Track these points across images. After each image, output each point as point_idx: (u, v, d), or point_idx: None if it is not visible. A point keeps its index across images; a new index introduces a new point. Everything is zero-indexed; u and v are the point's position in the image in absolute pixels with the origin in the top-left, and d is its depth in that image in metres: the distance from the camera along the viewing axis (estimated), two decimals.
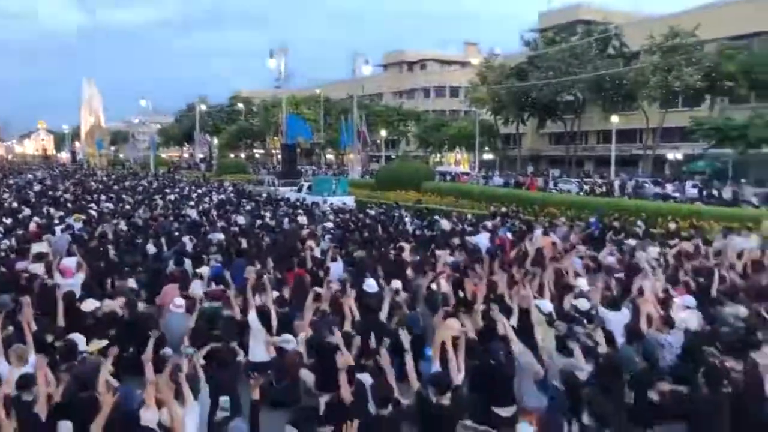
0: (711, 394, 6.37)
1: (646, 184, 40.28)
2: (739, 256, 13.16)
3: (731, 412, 6.44)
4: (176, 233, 16.77)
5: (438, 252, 13.85)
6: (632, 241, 15.57)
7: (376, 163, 70.93)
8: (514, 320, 8.07)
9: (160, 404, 5.50)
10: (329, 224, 19.50)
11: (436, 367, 6.88)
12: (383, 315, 9.09)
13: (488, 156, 70.22)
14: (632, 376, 7.15)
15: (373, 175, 44.19)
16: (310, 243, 14.66)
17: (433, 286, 10.69)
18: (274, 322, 9.01)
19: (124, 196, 30.33)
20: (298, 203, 26.61)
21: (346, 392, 6.19)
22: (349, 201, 29.97)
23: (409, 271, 12.36)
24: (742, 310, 9.30)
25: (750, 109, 44.57)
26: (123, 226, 18.24)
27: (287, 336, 8.45)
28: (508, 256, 14.13)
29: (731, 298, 10.37)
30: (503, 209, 24.51)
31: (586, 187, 41.33)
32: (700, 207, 25.37)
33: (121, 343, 8.21)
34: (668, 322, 8.33)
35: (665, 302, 9.40)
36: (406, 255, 13.91)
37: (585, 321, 8.50)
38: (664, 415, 6.73)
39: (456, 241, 15.73)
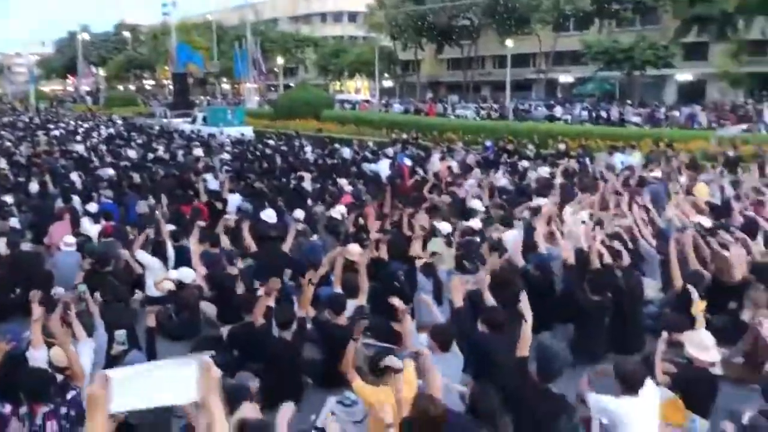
0: (595, 299, 6.82)
1: (539, 107, 41.46)
2: (625, 172, 13.95)
3: (613, 315, 6.93)
4: (63, 170, 15.99)
5: (339, 180, 13.85)
6: (525, 163, 16.14)
7: (275, 92, 68.95)
8: (417, 244, 8.27)
9: (50, 344, 5.31)
10: (226, 156, 19.05)
11: (337, 290, 6.99)
12: (287, 245, 9.03)
13: (388, 83, 69.79)
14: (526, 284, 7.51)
15: (271, 105, 43.17)
16: (205, 175, 14.32)
17: (335, 214, 10.73)
18: (171, 256, 8.80)
19: (2, 132, 28.39)
20: (193, 135, 25.74)
21: (259, 313, 6.22)
22: (248, 131, 29.28)
23: (309, 201, 12.32)
24: (626, 222, 9.89)
25: (635, 32, 46.32)
26: (3, 164, 17.15)
27: (185, 269, 8.27)
28: (406, 183, 14.31)
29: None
30: (404, 136, 24.67)
31: (482, 112, 42.14)
32: (589, 128, 26.63)
33: (5, 284, 7.85)
34: (556, 236, 8.75)
35: (558, 218, 9.84)
36: (307, 184, 13.85)
37: (478, 240, 8.80)
38: (553, 320, 7.15)
39: (354, 169, 15.78)
